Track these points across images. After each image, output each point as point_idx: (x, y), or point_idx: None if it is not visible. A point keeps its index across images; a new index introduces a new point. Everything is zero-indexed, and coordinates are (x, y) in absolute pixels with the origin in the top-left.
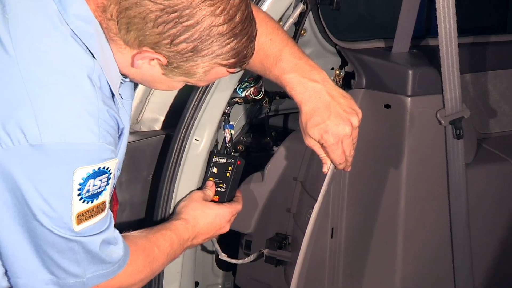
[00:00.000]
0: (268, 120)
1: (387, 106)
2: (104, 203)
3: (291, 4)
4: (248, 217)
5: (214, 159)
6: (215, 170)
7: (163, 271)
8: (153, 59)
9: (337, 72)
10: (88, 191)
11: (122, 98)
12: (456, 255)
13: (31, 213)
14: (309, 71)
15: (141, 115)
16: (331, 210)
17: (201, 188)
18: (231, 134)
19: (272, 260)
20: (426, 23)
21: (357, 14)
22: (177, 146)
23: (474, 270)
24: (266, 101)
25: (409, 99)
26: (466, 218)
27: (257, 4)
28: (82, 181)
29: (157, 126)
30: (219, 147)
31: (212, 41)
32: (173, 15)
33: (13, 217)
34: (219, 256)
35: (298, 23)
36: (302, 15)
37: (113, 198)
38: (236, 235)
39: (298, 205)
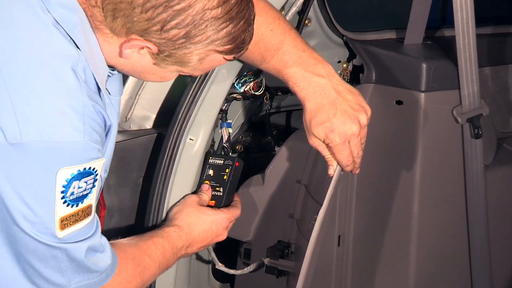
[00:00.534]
0: (269, 118)
1: (399, 102)
2: (90, 206)
3: None
4: (247, 224)
5: (210, 161)
6: (211, 172)
7: (154, 282)
8: (143, 48)
9: (344, 65)
10: (72, 193)
11: (109, 94)
12: (474, 264)
13: (11, 218)
14: (313, 64)
15: (130, 112)
16: (338, 216)
17: (196, 192)
18: (229, 133)
19: (273, 270)
20: (442, 12)
21: (366, 2)
22: (170, 146)
23: (493, 278)
24: (266, 97)
25: (422, 95)
26: (485, 224)
27: None
28: (66, 183)
29: (148, 125)
30: (215, 148)
31: (206, 26)
32: None
33: None
34: (216, 266)
35: (302, 12)
36: (306, 3)
37: (100, 203)
38: (234, 243)
39: (302, 210)
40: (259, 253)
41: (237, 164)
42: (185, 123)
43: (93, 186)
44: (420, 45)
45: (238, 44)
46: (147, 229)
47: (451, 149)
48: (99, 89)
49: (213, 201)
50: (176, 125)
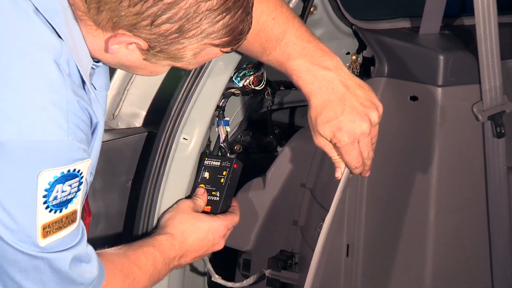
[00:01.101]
0: (270, 115)
1: (414, 98)
2: (74, 212)
3: None
4: (246, 232)
5: (206, 162)
6: (207, 175)
7: None
8: (131, 44)
9: (354, 57)
10: (55, 198)
11: (95, 89)
12: (496, 276)
13: None
14: (319, 56)
15: (118, 109)
16: (346, 223)
17: (190, 196)
18: (227, 131)
19: (275, 283)
20: None
21: None
22: (162, 147)
23: None
24: (268, 92)
25: (439, 89)
26: (508, 232)
27: None
28: (48, 186)
29: (138, 123)
30: (211, 148)
31: (201, 19)
32: None
33: None
34: (212, 279)
35: None
36: None
37: (85, 209)
38: (232, 253)
39: (307, 217)
40: (260, 264)
41: (235, 166)
42: (178, 121)
43: (78, 190)
44: (436, 35)
45: (235, 35)
46: (136, 237)
47: (471, 149)
48: (83, 83)
49: (209, 207)
50: (168, 123)
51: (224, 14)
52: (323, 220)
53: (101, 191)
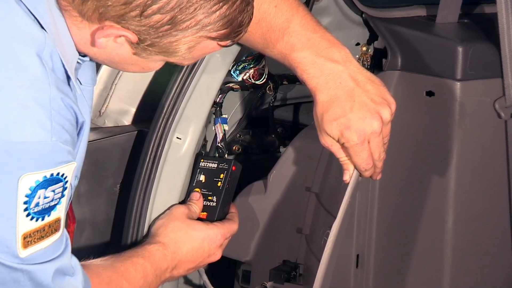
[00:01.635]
0: (272, 112)
1: (430, 93)
2: (58, 220)
3: None
4: (246, 240)
5: (202, 164)
6: (202, 178)
7: None
8: (120, 36)
9: (364, 48)
10: (37, 204)
11: (80, 84)
12: None
13: None
14: (326, 48)
15: (105, 105)
16: (356, 231)
17: (184, 201)
18: (224, 130)
19: None
20: None
21: None
22: (153, 147)
23: None
24: (270, 87)
25: (458, 84)
26: None
27: None
28: (29, 192)
29: (127, 120)
30: (208, 148)
31: (195, 9)
32: None
33: None
34: None
35: None
36: None
37: (69, 215)
38: (230, 264)
39: (312, 224)
40: (261, 275)
41: (233, 168)
42: (171, 119)
43: (62, 195)
44: (455, 24)
45: (234, 27)
46: (125, 247)
47: (492, 149)
48: (68, 78)
49: (205, 213)
50: (160, 121)
51: (221, 3)
52: (330, 227)
53: (87, 195)
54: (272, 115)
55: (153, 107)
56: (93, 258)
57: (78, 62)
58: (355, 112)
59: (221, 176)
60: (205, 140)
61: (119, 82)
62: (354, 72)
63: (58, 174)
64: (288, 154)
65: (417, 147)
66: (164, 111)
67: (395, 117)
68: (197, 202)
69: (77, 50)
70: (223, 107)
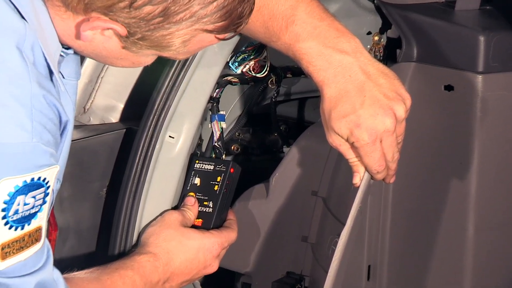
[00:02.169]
0: (275, 109)
1: (449, 87)
2: (39, 229)
3: None
4: (245, 250)
5: (197, 166)
6: (198, 181)
7: None
8: (107, 29)
9: (376, 38)
10: (16, 212)
11: (63, 77)
12: None
13: None
14: (334, 37)
15: (90, 101)
16: (367, 240)
17: (177, 207)
18: (222, 128)
19: None
20: None
21: None
22: (143, 146)
23: None
24: (272, 80)
25: (480, 77)
26: None
27: None
28: (8, 198)
29: (114, 117)
30: (203, 148)
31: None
32: None
33: None
34: None
35: None
36: None
37: (50, 222)
38: (228, 276)
39: (319, 232)
40: None
41: (232, 170)
42: (163, 116)
43: (44, 202)
44: (476, 11)
45: (233, 19)
46: (112, 257)
47: None
48: (50, 73)
49: (200, 220)
50: (151, 118)
51: None
52: (339, 235)
53: (70, 200)
54: (274, 112)
55: (143, 103)
56: (77, 270)
57: (61, 55)
58: (366, 108)
59: (218, 179)
60: (200, 139)
61: (105, 75)
62: (365, 64)
63: (39, 178)
64: (292, 155)
65: (434, 147)
66: (155, 107)
67: (410, 113)
68: (191, 207)
69: (61, 42)
70: (221, 102)
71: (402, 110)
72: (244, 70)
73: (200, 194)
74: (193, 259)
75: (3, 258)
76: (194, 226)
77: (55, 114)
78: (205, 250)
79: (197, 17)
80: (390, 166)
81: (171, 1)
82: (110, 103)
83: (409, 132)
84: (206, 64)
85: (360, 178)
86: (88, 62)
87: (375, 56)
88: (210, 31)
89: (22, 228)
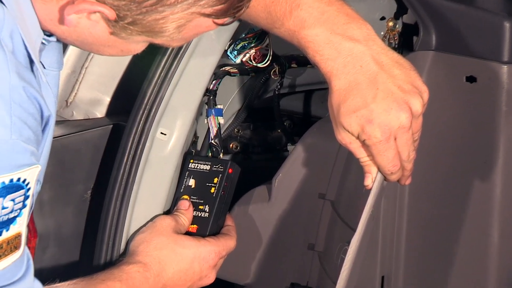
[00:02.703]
0: (278, 102)
1: (471, 79)
2: (18, 236)
3: None
4: (246, 259)
5: (192, 165)
6: (192, 182)
7: None
8: (94, 12)
9: (390, 24)
10: None
11: (44, 68)
12: None
13: None
14: (344, 23)
15: (73, 93)
16: (381, 248)
17: (170, 211)
18: (219, 124)
19: None
20: None
21: None
22: (132, 144)
23: None
24: (275, 70)
25: (505, 68)
26: None
27: None
28: None
29: (100, 112)
30: (198, 147)
31: None
32: None
33: None
34: None
35: None
36: None
37: (30, 228)
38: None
39: (327, 238)
40: None
41: (230, 170)
42: (154, 110)
43: (24, 206)
44: None
45: (233, 2)
46: (97, 267)
47: None
48: (31, 62)
49: (195, 226)
50: (140, 113)
51: None
52: (349, 243)
53: (51, 204)
54: (277, 105)
55: (132, 96)
56: (59, 282)
57: (42, 43)
58: (378, 102)
59: (215, 180)
60: (195, 136)
61: (90, 65)
62: (378, 53)
63: (19, 179)
64: (297, 154)
65: (455, 145)
66: (145, 101)
67: (428, 108)
68: (185, 212)
69: (42, 28)
70: (218, 95)
71: (419, 104)
72: (244, 59)
73: (195, 197)
74: (187, 269)
75: None
76: (188, 233)
77: (37, 108)
78: (201, 259)
79: None
80: (405, 166)
81: None
82: (95, 95)
83: (427, 129)
84: (202, 52)
85: (372, 180)
86: (71, 50)
87: (389, 44)
88: (208, 15)
89: (0, 235)
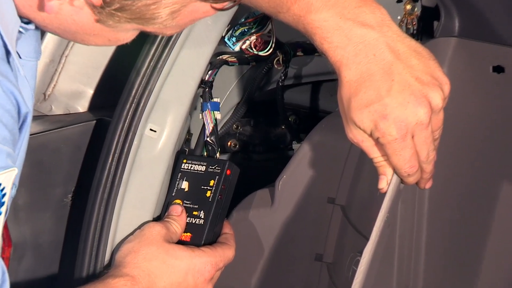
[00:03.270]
0: (282, 95)
1: (498, 69)
2: None
3: None
4: (245, 272)
5: (185, 166)
6: (185, 185)
7: None
8: None
9: (408, 7)
10: None
11: (20, 58)
12: None
13: None
14: (355, 7)
15: (52, 85)
16: (398, 258)
17: (160, 217)
18: (215, 120)
19: None
20: None
21: None
22: (118, 142)
23: None
24: (278, 59)
25: None
26: None
27: None
28: None
29: (81, 106)
30: (192, 145)
31: None
32: None
33: None
34: None
35: None
36: None
37: (4, 237)
38: None
39: (337, 248)
40: None
41: (228, 171)
42: (142, 104)
43: None
44: None
45: None
46: (79, 280)
47: None
48: (7, 53)
49: (189, 234)
50: (127, 107)
51: None
52: (361, 253)
53: (27, 209)
54: (281, 99)
55: (118, 88)
56: None
57: (19, 31)
58: (394, 95)
59: (211, 183)
60: (189, 133)
61: (71, 53)
62: (394, 40)
63: None
64: (303, 153)
65: (480, 144)
66: (132, 94)
67: (450, 102)
68: (178, 218)
69: (19, 15)
70: (214, 87)
71: (439, 97)
72: (243, 47)
73: (188, 202)
74: (180, 283)
75: None
76: (181, 242)
77: (13, 105)
78: (195, 271)
79: None
80: (424, 168)
81: None
82: (77, 87)
83: (448, 125)
84: (197, 39)
85: (387, 182)
86: (50, 37)
87: (407, 30)
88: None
89: None
